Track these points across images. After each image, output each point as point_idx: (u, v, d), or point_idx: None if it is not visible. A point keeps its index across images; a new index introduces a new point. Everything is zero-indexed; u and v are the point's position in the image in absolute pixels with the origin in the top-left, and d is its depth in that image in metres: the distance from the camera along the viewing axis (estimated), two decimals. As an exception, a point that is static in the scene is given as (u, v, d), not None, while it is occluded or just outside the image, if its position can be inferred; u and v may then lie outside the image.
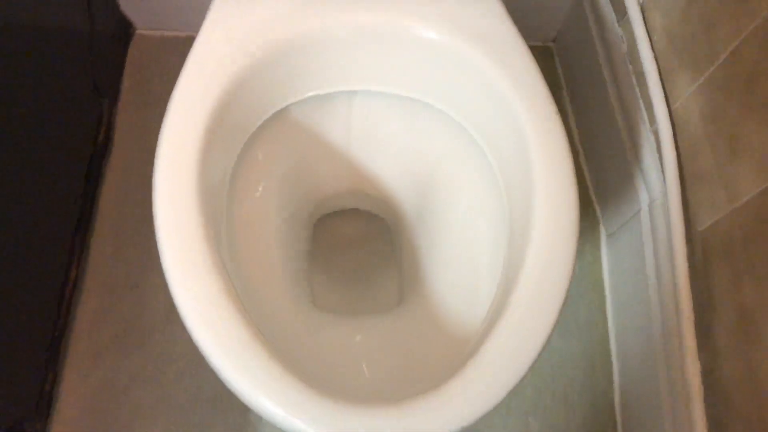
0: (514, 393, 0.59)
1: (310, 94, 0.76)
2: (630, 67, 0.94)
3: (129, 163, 1.12)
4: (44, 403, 0.92)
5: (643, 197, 0.93)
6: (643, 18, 0.89)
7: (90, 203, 1.04)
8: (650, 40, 0.87)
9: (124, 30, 1.18)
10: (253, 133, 0.73)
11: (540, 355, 0.59)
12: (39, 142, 0.88)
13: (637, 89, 0.93)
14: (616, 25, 0.97)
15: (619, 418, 0.98)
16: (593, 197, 1.12)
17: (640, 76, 0.91)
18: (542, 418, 0.98)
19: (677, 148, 0.83)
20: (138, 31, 1.21)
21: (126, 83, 1.17)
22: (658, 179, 0.89)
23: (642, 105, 0.92)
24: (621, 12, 0.95)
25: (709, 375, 0.76)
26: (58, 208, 0.96)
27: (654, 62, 0.86)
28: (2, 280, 0.82)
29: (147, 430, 0.95)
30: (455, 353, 0.66)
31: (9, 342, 0.84)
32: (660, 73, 0.86)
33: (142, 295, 1.01)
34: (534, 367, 0.59)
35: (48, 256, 0.94)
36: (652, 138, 0.90)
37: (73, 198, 0.99)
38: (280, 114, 0.76)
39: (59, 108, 0.93)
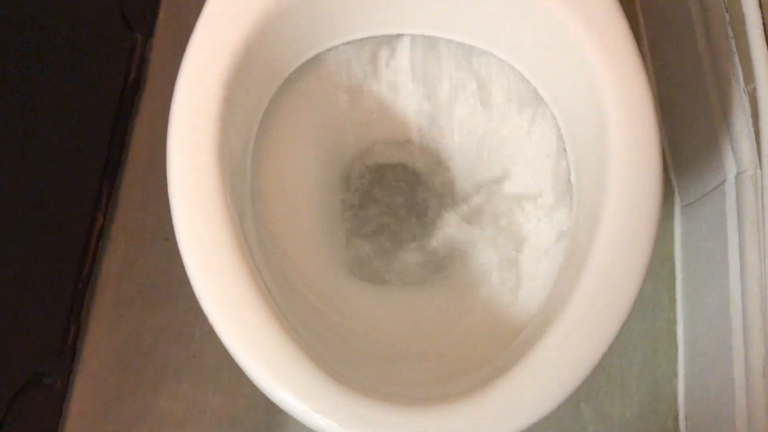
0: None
1: (354, 36, 0.66)
2: (726, 14, 0.81)
3: (164, 103, 1.03)
4: (67, 357, 0.88)
5: (730, 167, 0.82)
6: (748, -46, 0.76)
7: (119, 146, 0.98)
8: (755, -18, 0.75)
9: (161, -43, 1.09)
10: (287, 78, 0.65)
11: (600, 360, 0.51)
12: (59, 76, 0.81)
13: (732, 40, 0.80)
14: (713, -37, 0.84)
15: (681, 411, 0.90)
16: (669, 161, 1.00)
17: (739, 25, 0.78)
18: (595, 403, 0.90)
19: (778, 113, 0.72)
20: (177, -40, 1.12)
21: (162, 16, 1.08)
22: (750, 148, 0.78)
23: (737, 60, 0.80)
24: (720, -52, 0.82)
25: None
26: (84, 150, 0.90)
27: (758, 9, 0.75)
28: (24, 226, 0.77)
29: (173, 389, 0.91)
30: (501, 344, 0.58)
31: (30, 291, 0.79)
32: (764, 22, 0.74)
33: (173, 246, 0.95)
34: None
35: (73, 202, 0.88)
36: (746, 99, 0.79)
37: (101, 139, 0.93)
38: (320, 57, 0.67)
39: (83, 42, 0.85)
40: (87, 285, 0.92)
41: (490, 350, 0.57)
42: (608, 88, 0.56)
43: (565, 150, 0.64)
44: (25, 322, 0.79)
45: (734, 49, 0.80)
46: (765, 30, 0.74)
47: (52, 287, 0.84)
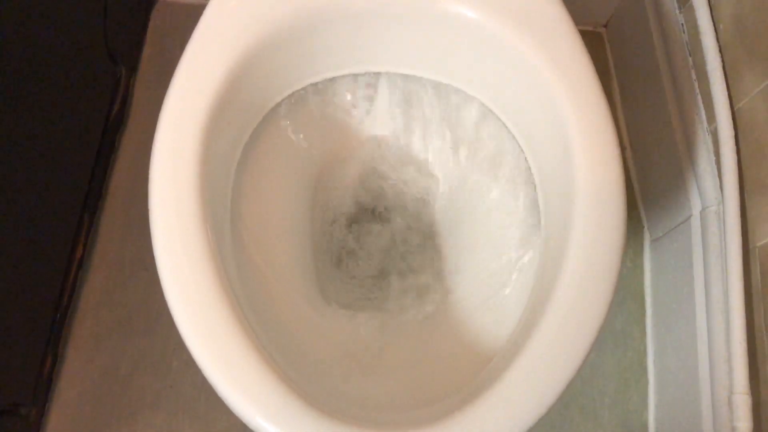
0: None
1: (336, 73, 0.69)
2: (690, 58, 0.85)
3: (147, 136, 1.04)
4: (43, 387, 0.87)
5: (695, 203, 0.85)
6: (709, 4, 0.80)
7: (101, 178, 0.99)
8: (715, 29, 0.79)
9: (146, -5, 1.12)
10: (268, 111, 0.67)
11: (567, 387, 0.52)
12: (44, 109, 0.82)
13: (696, 83, 0.85)
14: (677, 11, 0.88)
15: (652, 441, 0.91)
16: (638, 198, 1.03)
17: (701, 69, 0.82)
18: (568, 434, 0.91)
19: (738, 151, 0.76)
20: (162, -3, 1.15)
21: (147, 52, 1.11)
22: (713, 185, 0.81)
23: (700, 101, 0.84)
24: (683, -4, 0.87)
25: (761, 407, 0.70)
26: (67, 182, 0.91)
27: (718, 54, 0.79)
28: (4, 255, 0.77)
29: (149, 419, 0.91)
30: (471, 372, 0.59)
31: (7, 320, 0.79)
32: (724, 67, 0.78)
33: (151, 277, 0.97)
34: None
35: (53, 232, 0.89)
36: (709, 139, 0.82)
37: (83, 171, 0.94)
38: (302, 92, 0.69)
39: (67, 74, 0.87)
40: (65, 315, 0.92)
41: (461, 378, 0.58)
42: (574, 125, 0.58)
43: (534, 184, 0.66)
44: (1, 351, 0.79)
45: (697, 91, 0.84)
46: (725, 73, 0.78)
47: (30, 317, 0.84)
